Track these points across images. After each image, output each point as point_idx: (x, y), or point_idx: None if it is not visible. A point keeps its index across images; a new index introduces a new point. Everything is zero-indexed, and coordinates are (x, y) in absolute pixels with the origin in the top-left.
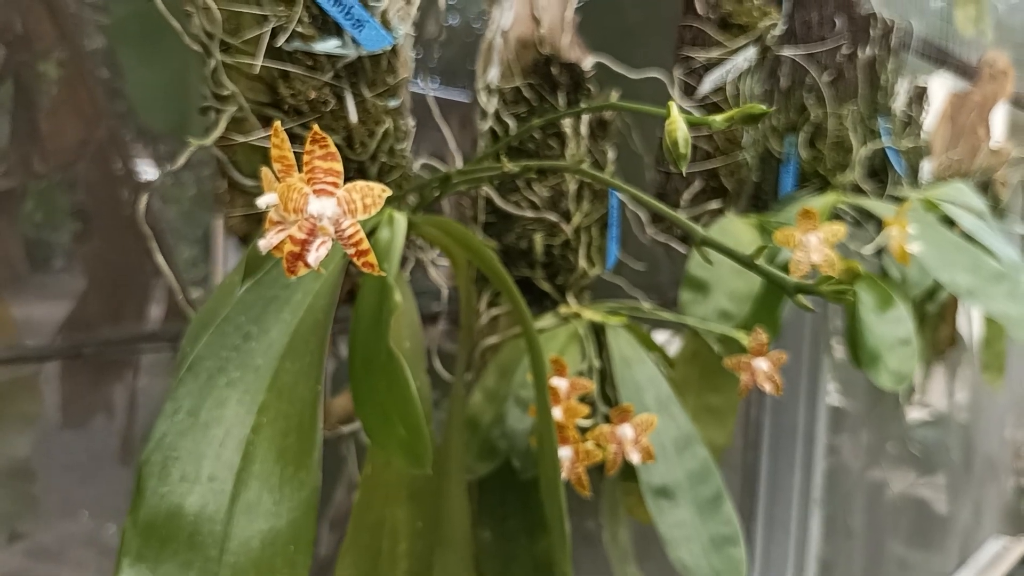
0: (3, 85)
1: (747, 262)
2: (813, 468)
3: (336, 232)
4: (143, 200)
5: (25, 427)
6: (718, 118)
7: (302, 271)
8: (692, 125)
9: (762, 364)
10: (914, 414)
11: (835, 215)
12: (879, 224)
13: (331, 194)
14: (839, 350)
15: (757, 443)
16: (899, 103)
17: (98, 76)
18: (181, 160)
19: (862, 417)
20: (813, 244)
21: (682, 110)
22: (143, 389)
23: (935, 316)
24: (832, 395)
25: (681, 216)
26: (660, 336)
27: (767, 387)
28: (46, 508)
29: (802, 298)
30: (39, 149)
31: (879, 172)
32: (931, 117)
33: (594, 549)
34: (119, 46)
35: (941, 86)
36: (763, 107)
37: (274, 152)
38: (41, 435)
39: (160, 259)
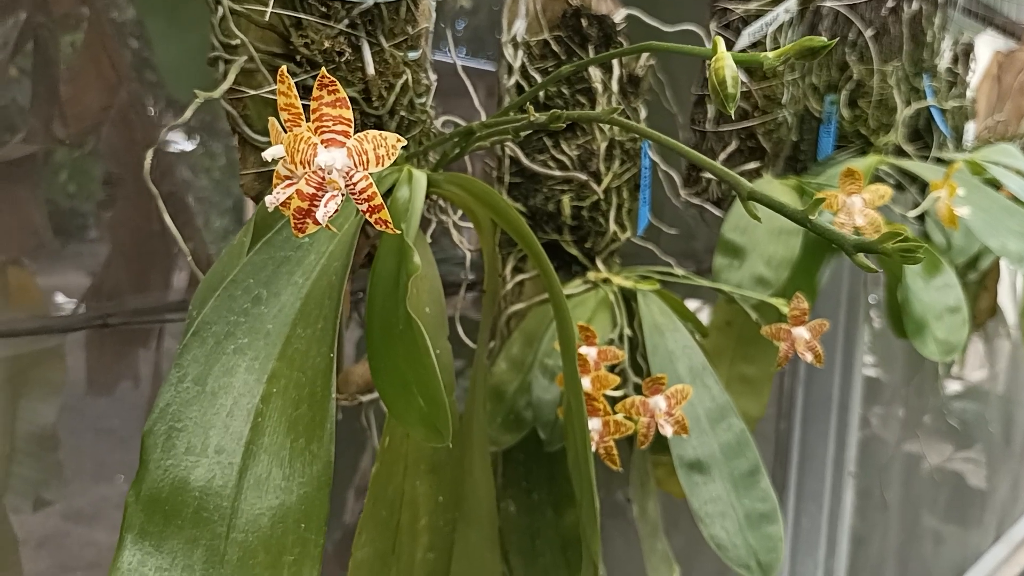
0: (23, 49)
1: (800, 218)
2: (847, 440)
3: (347, 186)
4: (148, 156)
5: (50, 395)
6: (771, 55)
7: (311, 229)
8: (739, 65)
9: (803, 333)
10: (952, 386)
11: (876, 178)
12: (922, 187)
13: (341, 144)
14: (875, 319)
15: (790, 413)
16: (944, 62)
17: (121, 41)
18: (188, 113)
19: (899, 388)
20: (857, 206)
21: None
22: (168, 355)
23: (976, 285)
24: (868, 366)
25: (724, 167)
26: (690, 305)
27: (808, 357)
28: (74, 473)
29: (863, 257)
30: (60, 114)
31: (922, 134)
32: (976, 77)
33: (621, 521)
34: (147, 17)
35: (987, 45)
36: (823, 39)
37: (281, 100)
38: (67, 402)
39: (168, 219)
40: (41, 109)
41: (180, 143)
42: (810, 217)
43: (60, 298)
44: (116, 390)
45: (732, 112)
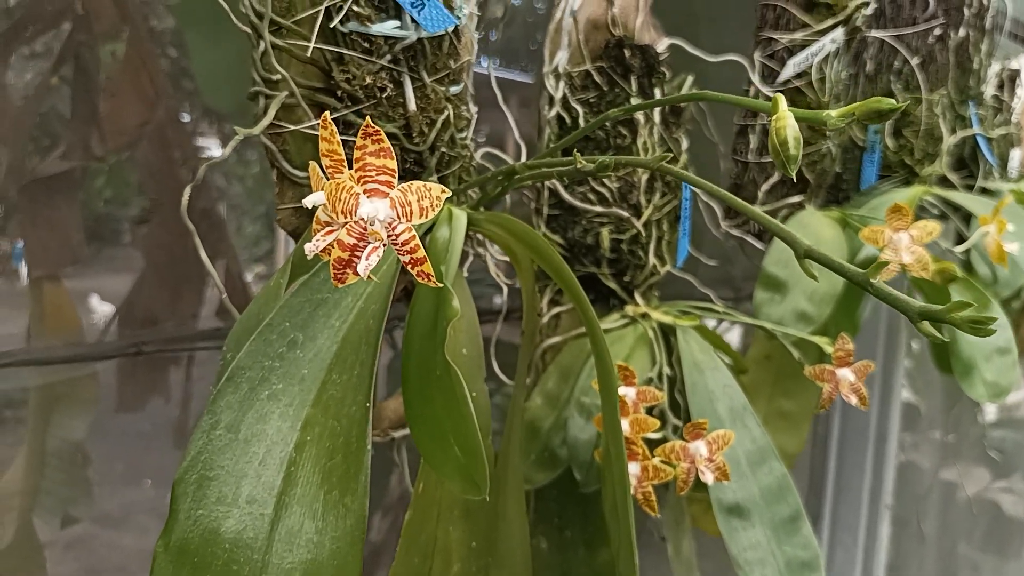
0: (63, 66)
1: (861, 281)
2: (884, 470)
3: (389, 237)
4: (186, 195)
5: (82, 413)
6: (834, 114)
7: (351, 279)
8: (800, 122)
9: (848, 375)
10: (990, 413)
11: (920, 208)
12: (965, 217)
13: (384, 195)
14: (914, 344)
15: (825, 443)
16: (989, 88)
17: (161, 57)
18: (227, 150)
19: (936, 416)
20: (904, 243)
21: (764, 97)
22: (198, 375)
23: (1016, 312)
24: (904, 387)
25: (779, 223)
26: (713, 324)
27: (852, 400)
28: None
29: (928, 325)
30: (98, 131)
31: (967, 162)
32: (1021, 103)
33: (651, 552)
34: (186, 27)
35: None
36: (892, 102)
37: (323, 146)
38: (97, 420)
39: (204, 256)
40: (79, 126)
41: (213, 151)
42: (872, 280)
43: (96, 318)
44: (147, 407)
45: (794, 174)
